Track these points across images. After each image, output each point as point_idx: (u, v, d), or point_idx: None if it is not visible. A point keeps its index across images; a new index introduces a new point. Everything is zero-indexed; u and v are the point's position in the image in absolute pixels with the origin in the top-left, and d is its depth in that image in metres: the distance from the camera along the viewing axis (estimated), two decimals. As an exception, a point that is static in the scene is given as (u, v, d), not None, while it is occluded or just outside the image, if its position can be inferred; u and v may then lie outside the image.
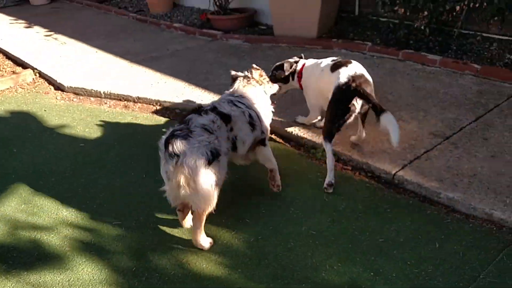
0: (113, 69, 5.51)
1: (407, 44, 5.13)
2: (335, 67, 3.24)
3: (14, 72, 5.78)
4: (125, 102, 4.74)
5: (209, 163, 2.55)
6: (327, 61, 3.40)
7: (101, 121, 4.36)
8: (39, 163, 3.72)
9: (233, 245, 2.71)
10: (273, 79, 3.62)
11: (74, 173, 3.55)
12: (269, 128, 3.20)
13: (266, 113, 3.16)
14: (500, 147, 3.27)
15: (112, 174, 3.49)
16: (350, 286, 2.38)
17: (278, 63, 3.71)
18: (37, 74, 5.66)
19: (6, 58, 6.43)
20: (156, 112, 4.49)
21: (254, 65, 3.29)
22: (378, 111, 2.93)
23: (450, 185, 2.93)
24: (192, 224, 2.76)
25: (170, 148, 2.50)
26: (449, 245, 2.57)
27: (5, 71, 5.86)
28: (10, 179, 3.52)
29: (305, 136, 3.67)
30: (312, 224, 2.81)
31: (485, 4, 4.44)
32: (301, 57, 3.73)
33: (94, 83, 5.09)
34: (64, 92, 5.14)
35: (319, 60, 3.51)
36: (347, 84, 3.04)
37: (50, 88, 5.31)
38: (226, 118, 2.77)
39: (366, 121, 3.40)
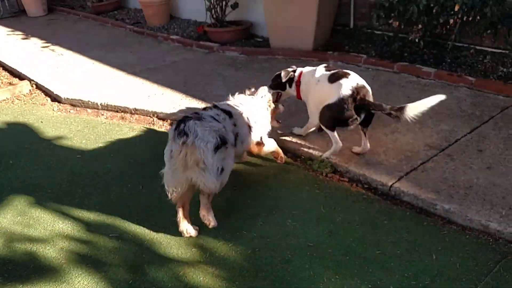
0: (110, 81, 5.53)
1: (402, 57, 5.19)
2: (334, 78, 3.30)
3: (10, 84, 5.79)
4: (122, 113, 4.75)
5: (218, 147, 2.72)
6: (321, 70, 3.48)
7: (98, 132, 4.36)
8: (35, 174, 3.71)
9: (230, 258, 2.70)
10: (273, 86, 3.79)
11: (70, 184, 3.54)
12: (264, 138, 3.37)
13: (262, 124, 3.34)
14: (495, 158, 3.30)
15: (108, 186, 3.49)
16: (347, 298, 2.38)
17: (277, 73, 3.79)
18: (34, 86, 5.67)
19: (3, 69, 6.45)
20: (153, 123, 4.50)
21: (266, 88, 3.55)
22: (395, 113, 3.06)
23: (446, 197, 2.95)
24: (191, 229, 2.89)
25: (182, 126, 2.66)
26: (446, 257, 2.57)
27: (2, 83, 5.87)
28: (6, 191, 3.50)
29: (301, 147, 3.68)
30: (309, 236, 2.81)
31: (478, 17, 4.51)
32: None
33: (91, 94, 5.10)
34: (61, 104, 5.15)
35: (314, 68, 3.59)
36: (352, 96, 3.13)
37: (47, 100, 5.32)
38: (229, 113, 3.02)
39: (360, 131, 3.44)
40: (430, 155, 3.39)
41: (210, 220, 2.88)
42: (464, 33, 4.96)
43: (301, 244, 2.75)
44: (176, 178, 2.72)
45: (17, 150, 4.14)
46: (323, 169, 3.40)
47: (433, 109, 4.05)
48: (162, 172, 2.82)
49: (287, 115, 4.13)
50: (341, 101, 3.17)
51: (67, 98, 5.13)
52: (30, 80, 5.76)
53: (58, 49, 7.07)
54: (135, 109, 4.71)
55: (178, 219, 2.87)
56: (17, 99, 5.40)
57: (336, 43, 5.90)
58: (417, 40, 5.02)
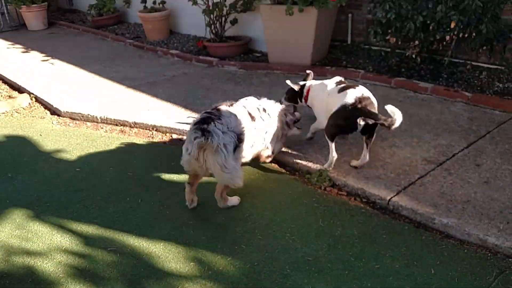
0: (109, 94, 5.57)
1: (399, 72, 5.25)
2: (342, 89, 3.42)
3: (10, 97, 5.82)
4: (122, 127, 4.77)
5: (235, 148, 2.98)
6: (332, 83, 3.58)
7: (97, 146, 4.37)
8: (34, 188, 3.71)
9: (228, 272, 2.69)
10: (286, 100, 3.98)
11: (69, 198, 3.54)
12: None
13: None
14: (492, 173, 3.33)
15: (107, 199, 3.49)
16: (346, 313, 2.37)
17: (289, 87, 3.93)
18: (33, 99, 5.69)
19: (3, 82, 6.48)
20: (152, 137, 4.52)
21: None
22: (388, 124, 3.15)
23: (444, 211, 2.96)
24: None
25: (203, 125, 2.91)
26: (445, 271, 2.58)
27: (1, 96, 5.89)
28: (4, 204, 3.50)
29: (300, 161, 3.70)
30: (308, 250, 2.81)
31: (473, 34, 4.59)
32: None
33: (91, 107, 5.13)
34: (60, 117, 5.17)
35: (325, 81, 3.69)
36: (353, 104, 3.21)
37: (46, 113, 5.34)
38: (251, 116, 3.27)
39: (358, 145, 3.47)
40: (428, 170, 3.42)
41: (227, 205, 3.21)
42: (460, 49, 5.04)
43: (299, 258, 2.75)
44: (192, 166, 3.06)
45: (16, 163, 4.15)
46: (322, 183, 3.41)
47: (430, 124, 4.13)
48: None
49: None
50: (343, 107, 3.26)
51: (66, 112, 5.15)
52: (29, 93, 5.78)
53: (58, 62, 7.12)
54: (135, 123, 4.73)
55: (187, 196, 3.25)
56: (17, 112, 5.42)
57: (334, 58, 5.97)
58: (414, 56, 5.08)
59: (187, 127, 4.46)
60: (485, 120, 4.11)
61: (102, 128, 4.80)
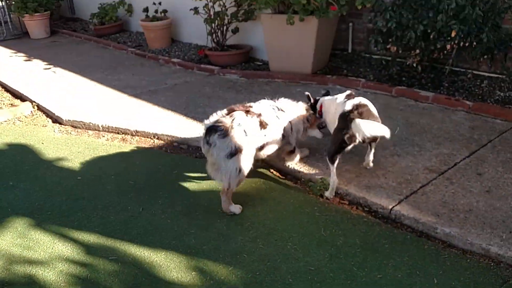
0: (111, 102, 5.58)
1: (400, 81, 5.26)
2: (345, 100, 3.42)
3: (12, 105, 5.84)
4: (123, 135, 4.78)
5: (232, 155, 3.17)
6: (341, 97, 3.53)
7: (98, 154, 4.38)
8: (35, 196, 3.71)
9: (230, 282, 2.68)
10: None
11: (70, 206, 3.53)
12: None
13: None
14: (494, 182, 3.32)
15: (108, 208, 3.48)
16: (349, 323, 2.35)
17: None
18: (36, 107, 5.71)
19: (5, 90, 6.50)
20: (154, 145, 4.52)
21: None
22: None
23: (446, 220, 2.95)
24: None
25: (207, 137, 3.24)
26: (447, 281, 2.57)
27: (4, 104, 5.91)
28: (5, 213, 3.50)
29: (301, 170, 3.70)
30: (310, 260, 2.80)
31: (474, 43, 4.60)
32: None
33: (92, 116, 5.15)
34: (62, 125, 5.18)
35: (335, 96, 3.66)
36: (350, 111, 3.21)
37: (48, 121, 5.35)
38: (262, 124, 3.40)
39: (359, 154, 3.46)
40: (430, 179, 3.41)
41: (231, 211, 3.29)
42: (461, 58, 5.05)
43: (301, 267, 2.74)
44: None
45: (17, 171, 4.15)
46: (324, 192, 3.41)
47: (431, 133, 4.13)
48: None
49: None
50: (343, 115, 3.26)
51: (68, 120, 5.17)
52: (31, 101, 5.81)
53: (60, 70, 7.15)
54: (136, 131, 4.74)
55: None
56: (19, 120, 5.44)
57: (334, 67, 5.99)
58: (414, 65, 5.10)
59: (188, 136, 4.48)
60: (487, 129, 4.12)
61: (103, 136, 4.81)
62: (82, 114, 5.23)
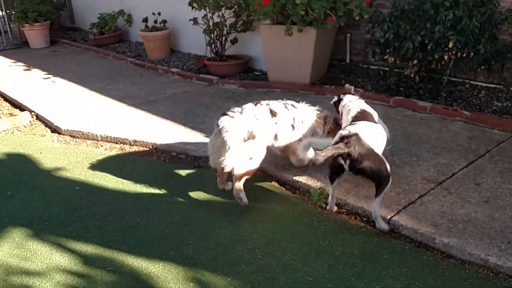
0: (110, 112, 5.59)
1: (398, 91, 5.29)
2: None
3: (11, 114, 5.84)
4: (122, 145, 4.78)
5: (244, 140, 3.28)
6: (354, 111, 3.50)
7: (97, 164, 4.37)
8: (33, 206, 3.70)
9: (229, 292, 2.67)
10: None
11: (68, 216, 3.52)
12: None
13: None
14: (492, 192, 3.33)
15: (106, 218, 3.47)
16: (348, 334, 2.34)
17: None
18: (34, 117, 5.71)
19: (4, 100, 6.51)
20: (152, 155, 4.52)
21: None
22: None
23: (445, 231, 2.95)
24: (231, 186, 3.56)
25: (218, 122, 3.35)
26: (446, 292, 2.56)
27: (3, 113, 5.92)
28: (3, 223, 3.48)
29: (300, 179, 3.70)
30: (308, 270, 2.79)
31: (471, 54, 4.64)
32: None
33: (91, 126, 5.15)
34: (61, 135, 5.18)
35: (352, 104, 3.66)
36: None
37: (47, 131, 5.35)
38: (272, 112, 3.54)
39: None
40: (428, 189, 3.42)
41: (241, 198, 3.38)
42: (458, 69, 5.09)
43: (300, 278, 2.73)
44: (213, 160, 3.49)
45: (16, 181, 4.14)
46: (322, 202, 3.41)
47: (429, 143, 4.15)
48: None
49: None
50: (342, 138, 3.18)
51: (67, 130, 5.17)
52: (30, 111, 5.81)
53: (59, 80, 7.17)
54: (135, 141, 4.74)
55: (218, 185, 3.67)
56: (17, 130, 5.44)
57: (332, 77, 6.03)
58: (412, 75, 5.13)
59: (186, 146, 4.49)
60: (484, 139, 4.13)
61: (102, 146, 4.82)
62: (81, 124, 5.23)
